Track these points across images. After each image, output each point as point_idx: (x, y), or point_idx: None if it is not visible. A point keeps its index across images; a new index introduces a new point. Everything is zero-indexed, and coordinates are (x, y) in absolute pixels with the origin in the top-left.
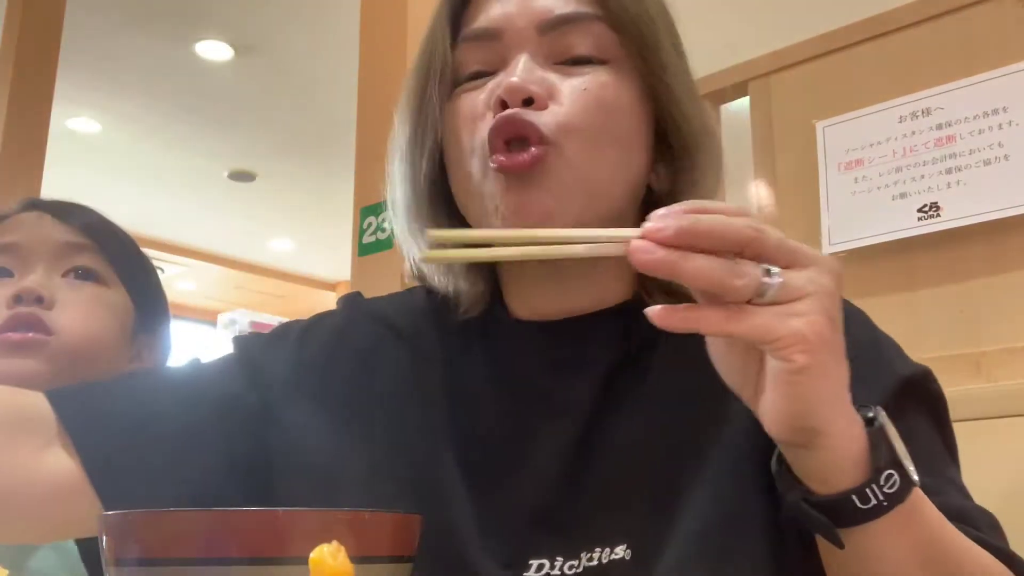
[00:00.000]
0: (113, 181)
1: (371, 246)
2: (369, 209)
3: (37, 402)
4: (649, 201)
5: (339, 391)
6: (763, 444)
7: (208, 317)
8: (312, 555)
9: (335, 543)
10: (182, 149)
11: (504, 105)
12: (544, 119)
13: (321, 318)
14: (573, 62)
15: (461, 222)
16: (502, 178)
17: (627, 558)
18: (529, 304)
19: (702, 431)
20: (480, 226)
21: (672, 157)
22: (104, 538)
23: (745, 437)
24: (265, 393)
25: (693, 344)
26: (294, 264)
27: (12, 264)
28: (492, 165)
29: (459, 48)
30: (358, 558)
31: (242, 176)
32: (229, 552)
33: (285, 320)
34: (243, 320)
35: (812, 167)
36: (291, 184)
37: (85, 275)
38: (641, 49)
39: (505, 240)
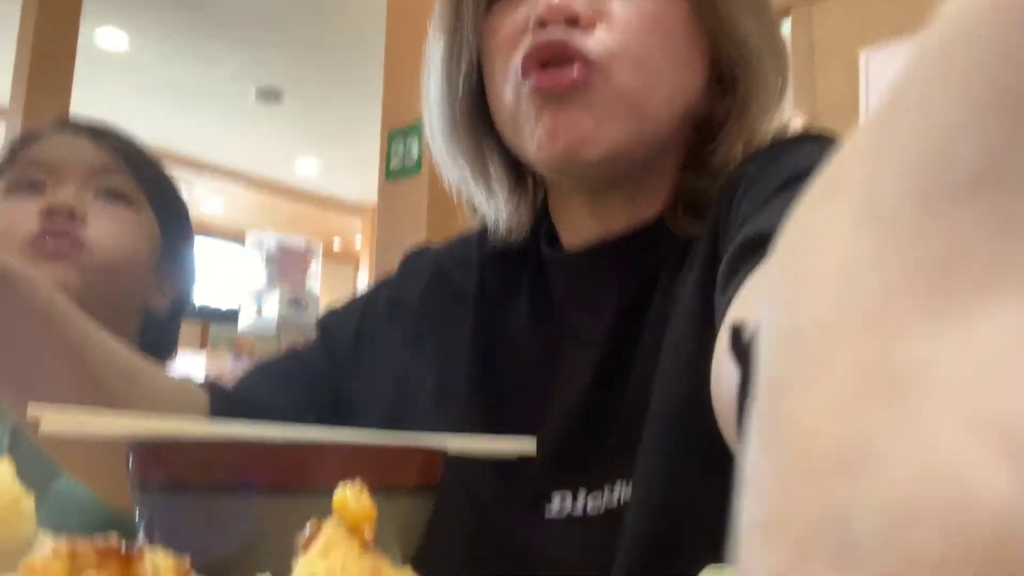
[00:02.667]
0: (141, 99)
1: (399, 170)
2: (397, 133)
3: (202, 395)
4: (701, 125)
5: (394, 348)
6: None
7: (237, 236)
8: (335, 497)
9: (358, 484)
10: (210, 67)
11: (544, 24)
12: (591, 43)
13: (383, 283)
14: None
15: (501, 146)
16: (538, 98)
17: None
18: (573, 230)
19: (685, 371)
20: (520, 150)
21: (724, 80)
22: (131, 464)
23: (696, 327)
24: (333, 358)
25: (709, 262)
26: (321, 186)
27: (45, 180)
28: (526, 89)
29: None
30: (381, 489)
31: (270, 95)
32: (253, 482)
33: (313, 241)
34: (271, 240)
35: (854, 98)
36: (319, 105)
37: (115, 197)
38: None
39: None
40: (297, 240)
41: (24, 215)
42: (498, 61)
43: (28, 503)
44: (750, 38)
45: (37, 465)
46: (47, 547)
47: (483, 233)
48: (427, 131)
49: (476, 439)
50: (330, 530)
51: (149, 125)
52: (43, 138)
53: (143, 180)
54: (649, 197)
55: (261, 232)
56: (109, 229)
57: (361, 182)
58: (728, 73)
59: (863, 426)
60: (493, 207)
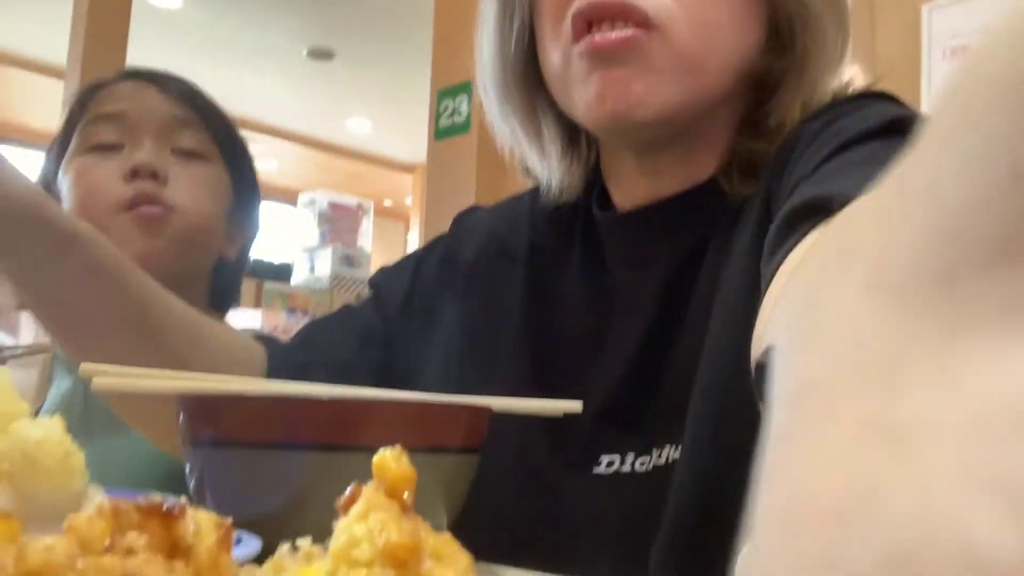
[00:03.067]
0: (193, 58)
1: (448, 129)
2: (446, 92)
3: (260, 351)
4: (758, 84)
5: (445, 308)
6: None
7: (289, 197)
8: (375, 459)
9: (398, 448)
10: (262, 26)
11: None
12: (648, 1)
13: (434, 243)
14: None
15: (554, 105)
16: (588, 59)
17: (677, 457)
18: (625, 191)
19: (728, 337)
20: (571, 110)
21: (782, 37)
22: (181, 419)
23: (746, 292)
24: (385, 316)
25: (761, 225)
26: (372, 145)
27: (120, 136)
28: (577, 50)
29: None
30: (427, 449)
31: (321, 54)
32: (300, 438)
33: (364, 200)
34: (322, 200)
35: (915, 52)
36: (370, 64)
37: (192, 152)
38: None
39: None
40: (349, 199)
41: (106, 176)
42: (547, 19)
43: (78, 458)
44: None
45: (108, 421)
46: (91, 507)
47: (534, 194)
48: (480, 90)
49: (522, 400)
50: (370, 492)
51: (201, 84)
52: (109, 87)
53: (216, 132)
54: (703, 158)
55: (313, 192)
56: (192, 189)
57: (411, 142)
58: (786, 30)
59: (862, 475)
60: (546, 167)
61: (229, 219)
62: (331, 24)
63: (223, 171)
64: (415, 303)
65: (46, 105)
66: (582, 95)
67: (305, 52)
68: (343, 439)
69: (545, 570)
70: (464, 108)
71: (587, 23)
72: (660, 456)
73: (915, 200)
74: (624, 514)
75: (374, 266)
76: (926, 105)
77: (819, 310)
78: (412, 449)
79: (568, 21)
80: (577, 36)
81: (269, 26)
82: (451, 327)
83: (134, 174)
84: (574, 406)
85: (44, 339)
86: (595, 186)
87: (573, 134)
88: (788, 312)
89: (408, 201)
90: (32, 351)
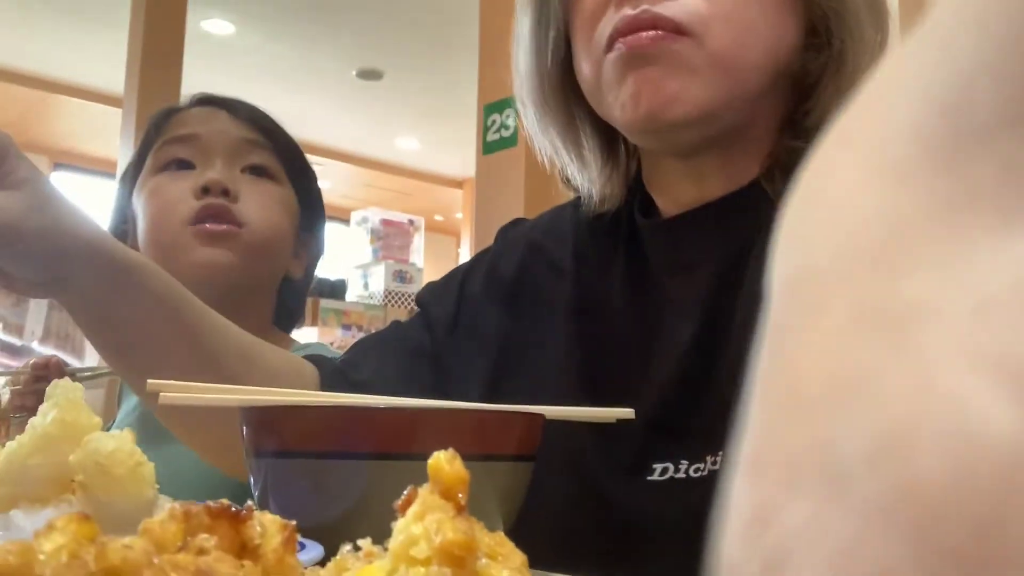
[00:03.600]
0: (246, 82)
1: (495, 144)
2: (493, 106)
3: (311, 371)
4: (796, 83)
5: (492, 322)
6: None
7: (342, 215)
8: (429, 461)
9: (451, 450)
10: (312, 49)
11: None
12: (679, 10)
13: (479, 256)
14: None
15: (592, 115)
16: (621, 61)
17: None
18: (669, 196)
19: None
20: (606, 114)
21: (819, 34)
22: (244, 431)
23: None
24: (433, 332)
25: None
26: (421, 162)
27: (193, 156)
28: (610, 56)
29: None
30: (482, 456)
31: (370, 74)
32: (361, 447)
33: (415, 217)
34: (374, 218)
35: None
36: (417, 82)
37: (261, 172)
38: None
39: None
40: (400, 215)
41: (179, 194)
42: (582, 33)
43: (148, 468)
44: None
45: (161, 439)
46: (164, 510)
47: (576, 204)
48: (518, 104)
49: (575, 408)
50: (425, 494)
51: None
52: (183, 112)
53: (283, 154)
54: (746, 159)
55: (365, 210)
56: (260, 205)
57: (460, 157)
58: (823, 28)
59: (857, 358)
60: (586, 177)
61: (296, 238)
62: (379, 45)
63: (290, 191)
64: (462, 318)
65: (104, 133)
66: (617, 98)
67: (354, 73)
68: (400, 448)
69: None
70: (511, 122)
71: (620, 37)
72: (715, 463)
73: (910, 78)
74: (679, 520)
75: (426, 280)
76: None
77: (815, 197)
78: (467, 457)
79: (600, 34)
80: (610, 50)
81: (319, 49)
82: (498, 340)
83: (205, 191)
84: (627, 413)
85: None
86: (636, 194)
87: (612, 143)
88: (791, 200)
89: (459, 215)
90: (101, 373)
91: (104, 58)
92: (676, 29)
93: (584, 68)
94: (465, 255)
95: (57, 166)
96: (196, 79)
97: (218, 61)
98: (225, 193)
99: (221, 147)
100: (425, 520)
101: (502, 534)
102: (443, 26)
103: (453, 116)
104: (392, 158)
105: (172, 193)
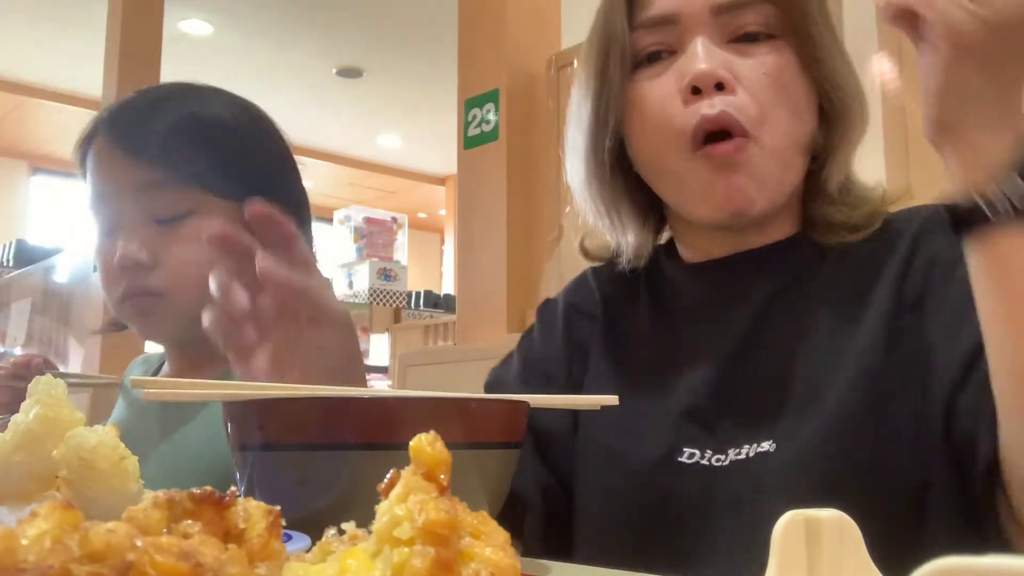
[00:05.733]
0: (225, 82)
1: (476, 138)
2: (473, 101)
3: None
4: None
5: (553, 374)
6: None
7: (324, 214)
8: (411, 443)
9: (432, 432)
10: (291, 48)
11: (696, 90)
12: (743, 114)
13: (529, 332)
14: (745, 38)
15: (632, 188)
16: (710, 166)
17: (771, 450)
18: (702, 248)
19: (843, 347)
20: (681, 205)
21: (827, 119)
22: (229, 425)
23: (881, 341)
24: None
25: (847, 273)
26: (403, 159)
27: (108, 220)
28: (698, 156)
29: (635, 32)
30: (466, 444)
31: (350, 72)
32: (345, 437)
33: (398, 215)
34: (357, 216)
35: None
36: (398, 79)
37: (178, 219)
38: (801, 25)
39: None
40: (383, 213)
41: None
42: (653, 120)
43: (132, 462)
44: (845, 81)
45: (156, 438)
46: (148, 498)
47: (593, 270)
48: (569, 179)
49: (559, 396)
50: (408, 476)
51: None
52: (95, 152)
53: (206, 181)
54: (778, 220)
55: (348, 208)
56: (180, 263)
57: (442, 153)
58: (830, 111)
59: None
60: (624, 239)
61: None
62: (359, 43)
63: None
64: (528, 374)
65: None
66: (704, 195)
67: (334, 71)
68: (384, 437)
69: (635, 550)
70: (491, 116)
71: (705, 134)
72: (739, 454)
73: None
74: (709, 498)
75: (411, 278)
76: None
77: None
78: (452, 445)
79: (679, 129)
80: (697, 146)
81: (298, 47)
82: (557, 386)
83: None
84: (611, 399)
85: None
86: (664, 251)
87: (648, 211)
88: None
89: (442, 212)
90: (86, 383)
91: (81, 61)
92: (743, 132)
93: (668, 151)
94: (449, 252)
95: (36, 171)
96: (177, 79)
97: (196, 62)
98: (139, 265)
99: (128, 202)
100: (408, 501)
101: (485, 513)
102: (422, 22)
103: (435, 112)
104: (374, 156)
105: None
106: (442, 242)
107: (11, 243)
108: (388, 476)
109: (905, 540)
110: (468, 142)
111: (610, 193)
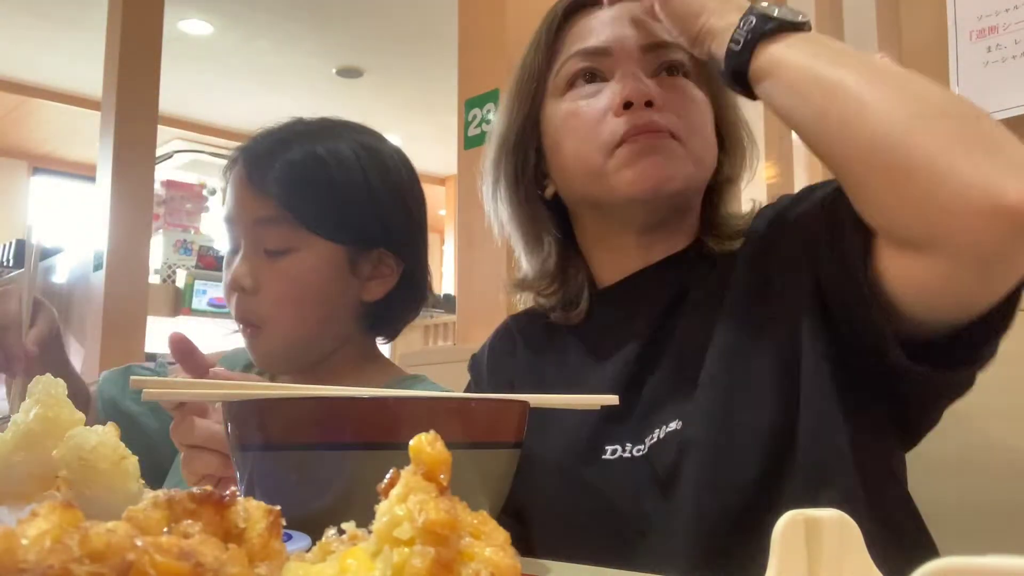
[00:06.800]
0: (225, 82)
1: (476, 138)
2: (473, 101)
3: None
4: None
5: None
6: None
7: None
8: (411, 443)
9: (432, 432)
10: (291, 48)
11: (629, 104)
12: (669, 124)
13: (483, 350)
14: (668, 71)
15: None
16: (634, 150)
17: (678, 427)
18: (616, 268)
19: (737, 335)
20: (604, 194)
21: (725, 147)
22: (229, 425)
23: (744, 317)
24: None
25: (728, 273)
26: None
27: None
28: (626, 147)
29: (571, 59)
30: (466, 444)
31: (350, 72)
32: (345, 437)
33: None
34: None
35: (941, 35)
36: (398, 79)
37: (279, 254)
38: (710, 69)
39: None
40: None
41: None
42: (580, 133)
43: (132, 462)
44: (737, 128)
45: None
46: (148, 497)
47: (514, 316)
48: (486, 198)
49: (559, 396)
50: (408, 476)
51: (234, 107)
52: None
53: (303, 217)
54: (681, 233)
55: None
56: (276, 298)
57: (443, 154)
58: (729, 148)
59: None
60: (542, 280)
61: (350, 270)
62: (359, 42)
63: (321, 246)
64: (481, 388)
65: (83, 137)
66: (626, 176)
67: (335, 71)
68: (384, 437)
69: (579, 544)
70: (492, 116)
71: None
72: (652, 439)
73: None
74: (632, 491)
75: None
76: (953, 87)
77: None
78: (452, 445)
79: (609, 134)
80: (621, 143)
81: (298, 47)
82: None
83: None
84: (611, 399)
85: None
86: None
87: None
88: None
89: (442, 212)
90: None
91: (81, 61)
92: (671, 134)
93: (597, 153)
94: (450, 252)
95: (36, 171)
96: (176, 80)
97: (196, 62)
98: (244, 290)
99: (247, 230)
100: (408, 501)
101: (485, 513)
102: (422, 22)
103: (435, 112)
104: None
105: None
106: (442, 242)
107: (11, 243)
108: (388, 476)
109: (788, 458)
110: (468, 142)
111: (531, 228)
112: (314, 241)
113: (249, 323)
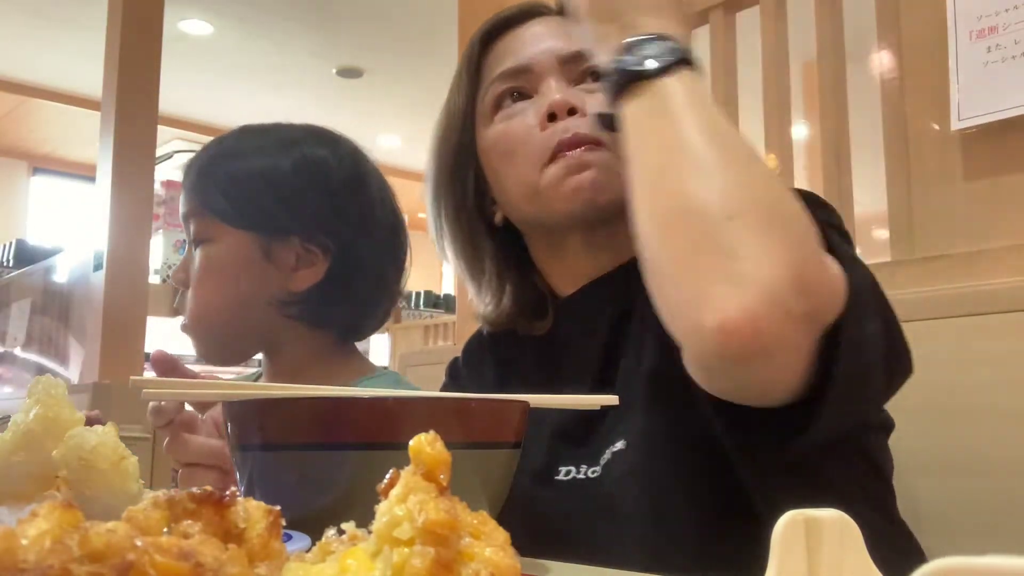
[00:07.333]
0: (226, 82)
1: None
2: None
3: None
4: None
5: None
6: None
7: None
8: (411, 444)
9: (432, 432)
10: (291, 48)
11: (552, 116)
12: (595, 129)
13: (455, 360)
14: (589, 80)
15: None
16: (564, 166)
17: (623, 447)
18: (569, 279)
19: (668, 352)
20: (542, 212)
21: None
22: (228, 425)
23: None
24: None
25: None
26: (403, 159)
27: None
28: (558, 163)
29: (493, 84)
30: (466, 444)
31: (350, 72)
32: (345, 437)
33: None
34: None
35: (941, 35)
36: (398, 79)
37: (196, 244)
38: None
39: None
40: None
41: None
42: (512, 151)
43: (132, 463)
44: None
45: None
46: (148, 497)
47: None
48: (434, 232)
49: (557, 396)
50: (408, 476)
51: (234, 107)
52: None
53: (211, 206)
54: (628, 241)
55: None
56: (192, 294)
57: None
58: None
59: None
60: (489, 300)
61: (265, 258)
62: (359, 42)
63: (233, 236)
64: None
65: (83, 137)
66: (559, 192)
67: (335, 71)
68: (384, 437)
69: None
70: None
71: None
72: (604, 459)
73: None
74: (583, 511)
75: (411, 278)
76: (953, 87)
77: None
78: (451, 445)
79: (539, 150)
80: (553, 159)
81: (298, 47)
82: None
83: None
84: (611, 399)
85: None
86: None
87: (506, 271)
88: None
89: None
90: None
91: (81, 61)
92: (596, 143)
93: (531, 167)
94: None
95: (36, 171)
96: (176, 81)
97: (196, 62)
98: (176, 282)
99: (186, 234)
100: (408, 501)
101: (485, 513)
102: (422, 22)
103: (435, 112)
104: (374, 156)
105: None
106: None
107: (11, 243)
108: (388, 476)
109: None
110: None
111: (471, 251)
112: (225, 230)
113: (182, 314)
